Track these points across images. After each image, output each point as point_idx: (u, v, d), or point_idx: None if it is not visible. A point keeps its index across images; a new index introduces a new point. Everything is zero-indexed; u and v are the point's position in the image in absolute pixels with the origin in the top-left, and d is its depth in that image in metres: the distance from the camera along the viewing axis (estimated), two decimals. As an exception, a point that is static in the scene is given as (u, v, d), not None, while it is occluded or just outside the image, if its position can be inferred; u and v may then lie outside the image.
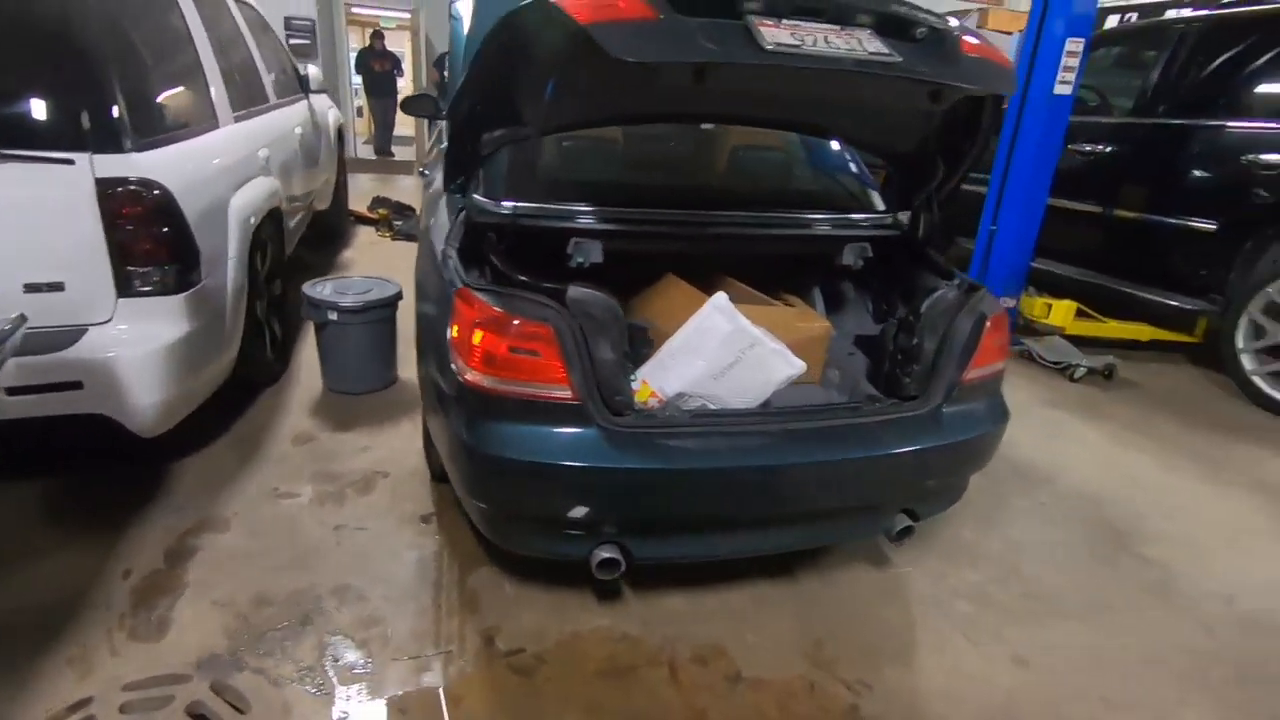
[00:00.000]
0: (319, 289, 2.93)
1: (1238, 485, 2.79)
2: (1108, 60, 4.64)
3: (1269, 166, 3.38)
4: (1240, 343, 3.53)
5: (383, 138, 10.47)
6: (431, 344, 1.83)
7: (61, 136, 1.93)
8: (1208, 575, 2.23)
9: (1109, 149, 4.17)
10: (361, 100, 10.85)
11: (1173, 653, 1.92)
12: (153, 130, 2.16)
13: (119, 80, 2.03)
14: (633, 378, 1.81)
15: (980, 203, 4.01)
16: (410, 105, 3.52)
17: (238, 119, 2.89)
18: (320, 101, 4.75)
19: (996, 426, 1.94)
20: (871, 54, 1.46)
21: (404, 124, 10.22)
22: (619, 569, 1.71)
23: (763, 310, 1.98)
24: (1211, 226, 3.63)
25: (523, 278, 1.70)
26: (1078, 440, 3.12)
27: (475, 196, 1.98)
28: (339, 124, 5.35)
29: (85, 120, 1.94)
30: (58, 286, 1.97)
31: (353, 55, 10.20)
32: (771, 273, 2.35)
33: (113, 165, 1.96)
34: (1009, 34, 8.33)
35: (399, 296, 2.98)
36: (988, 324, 1.83)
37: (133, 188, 1.99)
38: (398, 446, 2.66)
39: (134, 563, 1.97)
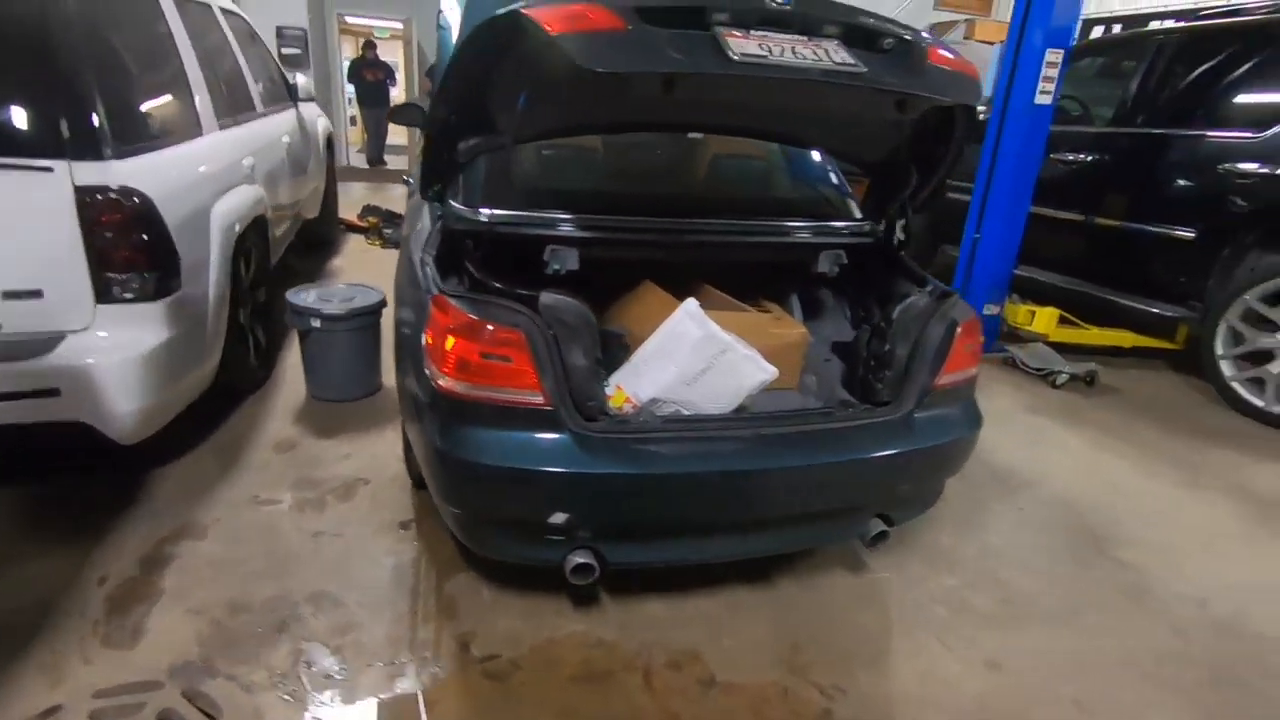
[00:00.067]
0: (303, 296, 2.94)
1: (1215, 490, 2.82)
2: (1090, 71, 4.71)
3: (1244, 175, 3.43)
4: (1219, 349, 3.57)
5: (375, 147, 10.50)
6: (409, 350, 1.84)
7: (41, 144, 1.93)
8: (1182, 579, 2.25)
9: (1090, 158, 4.22)
10: (355, 109, 10.88)
11: (1145, 656, 1.93)
12: (134, 138, 2.17)
13: (99, 88, 2.04)
14: (607, 383, 1.83)
15: (965, 211, 4.05)
16: (397, 114, 3.53)
17: (222, 127, 2.90)
18: (309, 110, 4.77)
19: (969, 432, 1.95)
20: (838, 64, 1.49)
21: (397, 133, 10.25)
22: (593, 574, 1.72)
23: (738, 317, 2.00)
24: (1190, 234, 3.67)
25: (497, 284, 1.72)
26: (1058, 446, 3.14)
27: (452, 204, 1.99)
28: (328, 132, 5.37)
29: (64, 128, 1.95)
30: (36, 293, 1.97)
31: (345, 65, 10.24)
32: (750, 280, 2.37)
33: (92, 173, 1.97)
34: (995, 44, 8.40)
35: (383, 304, 2.99)
36: (959, 330, 1.85)
37: (112, 195, 2.00)
38: (380, 453, 2.66)
39: (110, 570, 1.97)
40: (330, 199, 5.56)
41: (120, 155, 2.05)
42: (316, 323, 2.87)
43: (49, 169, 1.92)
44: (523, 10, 1.41)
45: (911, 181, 2.11)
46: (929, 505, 2.09)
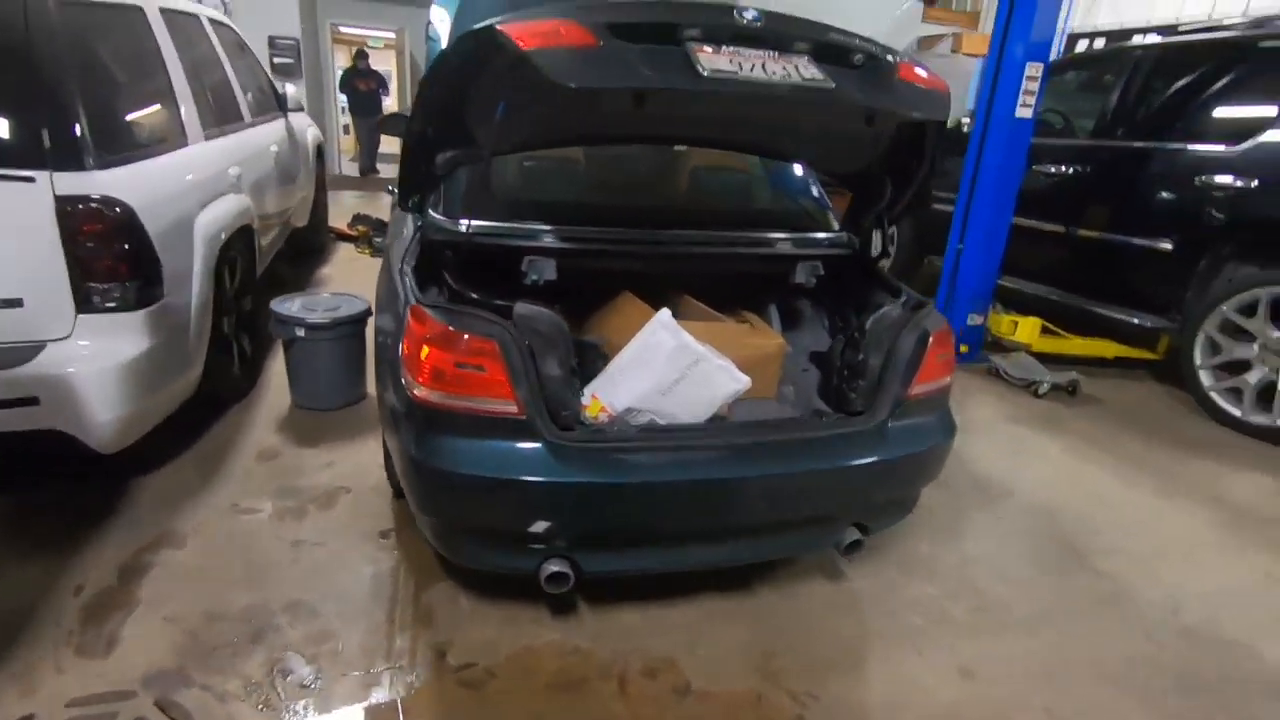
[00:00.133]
0: (287, 305, 2.95)
1: (1192, 499, 2.84)
2: (1072, 85, 4.78)
3: (1220, 188, 3.48)
4: (1198, 359, 3.61)
5: (367, 156, 10.52)
6: (387, 360, 1.86)
7: (22, 154, 1.95)
8: (1157, 587, 2.28)
9: (1071, 170, 4.28)
10: (348, 119, 10.92)
11: (1117, 663, 1.95)
12: (117, 148, 2.18)
13: (82, 99, 2.06)
14: (583, 393, 1.84)
15: (950, 222, 4.10)
16: (386, 124, 3.57)
17: (209, 137, 2.92)
18: (299, 120, 4.79)
19: (943, 441, 1.97)
20: (807, 80, 1.52)
21: (390, 142, 10.28)
22: (568, 583, 1.72)
23: (715, 327, 2.02)
24: (1169, 246, 3.72)
25: (475, 295, 1.73)
26: (1040, 455, 3.17)
27: (432, 214, 2.01)
28: (318, 142, 5.39)
29: (46, 138, 1.97)
30: (16, 303, 1.98)
31: (338, 74, 10.28)
32: (730, 290, 2.39)
33: (73, 183, 1.98)
34: (982, 57, 8.51)
35: (368, 313, 3.00)
36: (931, 340, 1.88)
37: (93, 205, 2.01)
38: (362, 462, 2.67)
39: (87, 579, 1.97)
40: (320, 208, 5.57)
41: (102, 165, 2.07)
42: (300, 332, 2.88)
43: (30, 179, 1.93)
44: (497, 26, 1.43)
45: (886, 194, 2.14)
46: (905, 514, 2.11)
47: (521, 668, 1.79)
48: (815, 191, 2.56)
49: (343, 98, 10.25)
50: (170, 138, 2.59)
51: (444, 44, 2.93)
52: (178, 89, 2.73)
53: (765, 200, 2.64)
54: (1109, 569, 2.36)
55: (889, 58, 1.65)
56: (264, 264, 3.72)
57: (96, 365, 2.04)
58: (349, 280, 4.83)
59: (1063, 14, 8.53)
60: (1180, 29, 4.59)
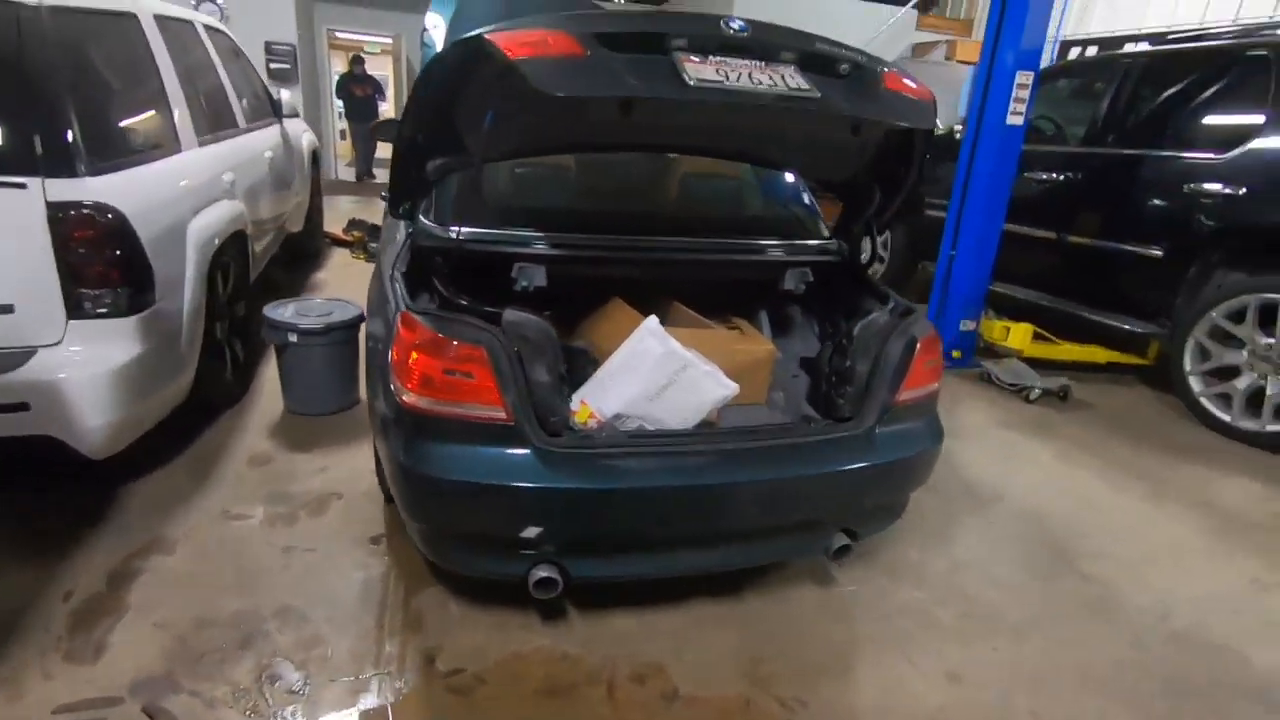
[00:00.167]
0: (280, 311, 2.96)
1: (1182, 504, 2.86)
2: (1063, 92, 4.81)
3: (1209, 195, 3.51)
4: (1188, 365, 3.63)
5: (364, 161, 10.54)
6: (377, 365, 1.86)
7: (14, 161, 1.95)
8: (1145, 592, 2.29)
9: (1062, 177, 4.31)
10: (345, 124, 10.93)
11: (1104, 668, 1.96)
12: (109, 154, 2.19)
13: (74, 106, 2.07)
14: (572, 399, 1.85)
15: (943, 228, 4.12)
16: (380, 130, 3.59)
17: (202, 143, 2.92)
18: (294, 125, 4.80)
19: (931, 446, 1.99)
20: (793, 89, 1.54)
21: (386, 148, 10.28)
22: (557, 588, 1.73)
23: (704, 334, 2.03)
24: (1159, 253, 3.75)
25: (464, 301, 1.74)
26: (1030, 460, 3.18)
27: (423, 221, 2.03)
28: (314, 147, 5.40)
29: (38, 145, 1.97)
30: (7, 309, 1.98)
31: (335, 80, 10.29)
32: (721, 297, 2.41)
33: (65, 189, 1.99)
34: (975, 64, 8.57)
35: (361, 319, 3.00)
36: (918, 347, 1.89)
37: (85, 211, 2.02)
38: (354, 468, 2.67)
39: (76, 584, 1.97)
40: (315, 213, 5.58)
41: (95, 172, 2.07)
42: (293, 337, 2.89)
43: (22, 185, 1.94)
44: (485, 35, 1.45)
45: (875, 201, 2.15)
46: (894, 519, 2.12)
47: (510, 673, 1.80)
48: (805, 198, 2.57)
49: (339, 103, 10.27)
50: (163, 144, 2.60)
51: (439, 49, 2.95)
52: (171, 95, 2.74)
53: (755, 207, 2.66)
54: (1098, 574, 2.38)
55: (875, 67, 1.67)
56: (258, 269, 3.72)
57: (87, 371, 2.04)
58: (344, 285, 4.84)
59: (1053, 22, 8.61)
60: (1169, 37, 4.62)
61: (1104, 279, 4.07)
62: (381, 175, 10.59)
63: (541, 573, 1.70)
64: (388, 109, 10.93)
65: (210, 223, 2.69)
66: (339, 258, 5.93)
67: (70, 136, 2.03)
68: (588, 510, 1.68)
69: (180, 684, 1.68)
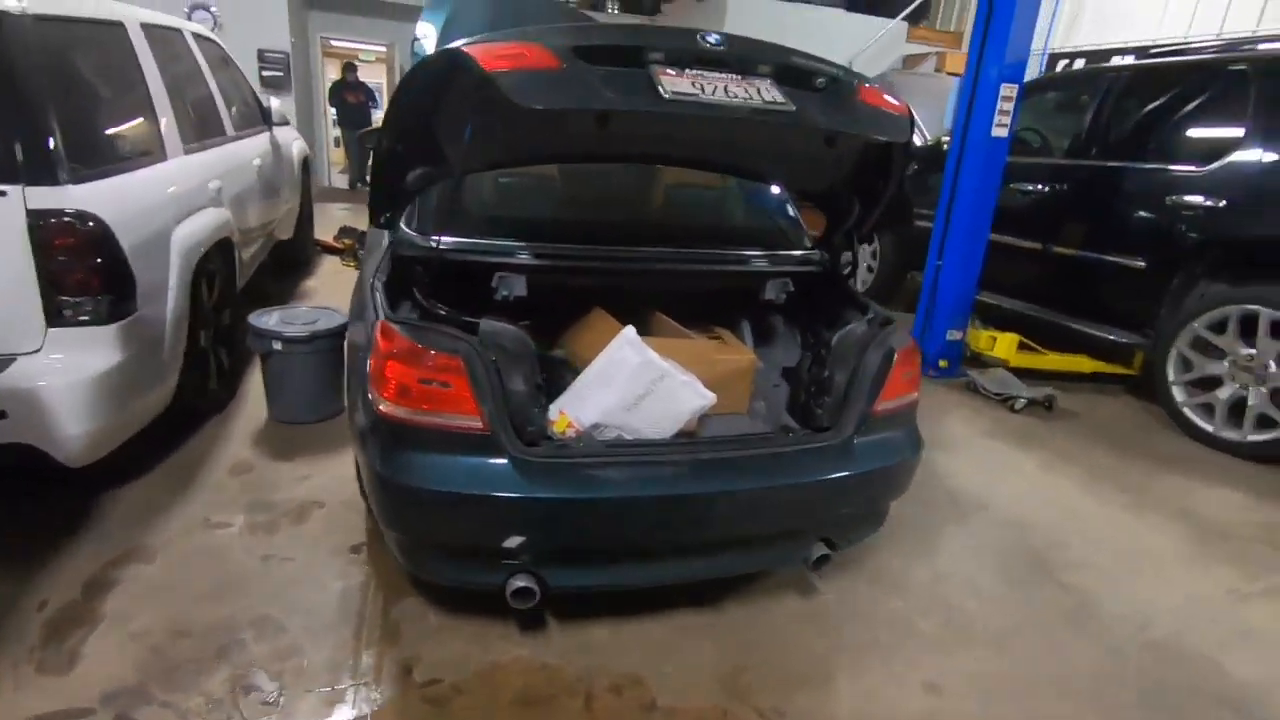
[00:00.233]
0: (264, 319, 2.95)
1: (1163, 514, 2.87)
2: (1048, 104, 4.87)
3: (1190, 207, 3.55)
4: (1171, 375, 3.66)
5: (357, 169, 10.54)
6: (356, 374, 1.86)
7: (-4, 168, 1.96)
8: (1124, 602, 2.30)
9: (1048, 188, 4.35)
10: (339, 131, 10.94)
11: (1082, 678, 1.96)
12: (92, 162, 2.19)
13: (57, 114, 2.06)
14: (550, 409, 1.85)
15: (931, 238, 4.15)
16: (368, 139, 3.60)
17: (189, 151, 2.92)
18: (285, 133, 4.81)
19: (910, 456, 1.99)
20: (768, 103, 1.55)
21: (379, 155, 10.30)
22: (534, 598, 1.73)
23: (684, 344, 2.04)
24: (1142, 264, 3.78)
25: (442, 311, 1.75)
26: (1014, 470, 3.20)
27: (404, 230, 2.03)
28: (304, 155, 5.41)
29: (19, 152, 1.97)
30: (-14, 317, 1.98)
31: (329, 86, 10.30)
32: (704, 306, 2.42)
33: (46, 197, 1.99)
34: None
35: (346, 327, 3.00)
36: (896, 357, 1.90)
37: (66, 219, 2.02)
38: (337, 476, 2.66)
39: (51, 594, 1.95)
40: (305, 221, 5.58)
41: (77, 180, 2.07)
42: (277, 345, 2.88)
43: (2, 193, 1.94)
44: (462, 48, 1.46)
45: (855, 212, 2.17)
46: (874, 529, 2.12)
47: (487, 684, 1.79)
48: (787, 209, 2.59)
49: (332, 110, 10.28)
50: (148, 152, 2.60)
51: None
52: (157, 103, 2.74)
53: (737, 217, 2.68)
54: (1078, 584, 2.38)
55: (851, 81, 1.69)
56: (245, 277, 3.72)
57: (66, 379, 2.03)
58: (334, 293, 4.83)
59: (1040, 36, 8.71)
60: (1151, 51, 4.68)
61: (1089, 289, 4.10)
62: (374, 183, 10.60)
63: (519, 583, 1.70)
64: (381, 116, 10.92)
65: (195, 230, 2.69)
66: (330, 265, 5.91)
67: (52, 144, 2.02)
68: (564, 520, 1.68)
69: (153, 695, 1.67)
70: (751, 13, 9.24)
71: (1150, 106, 4.04)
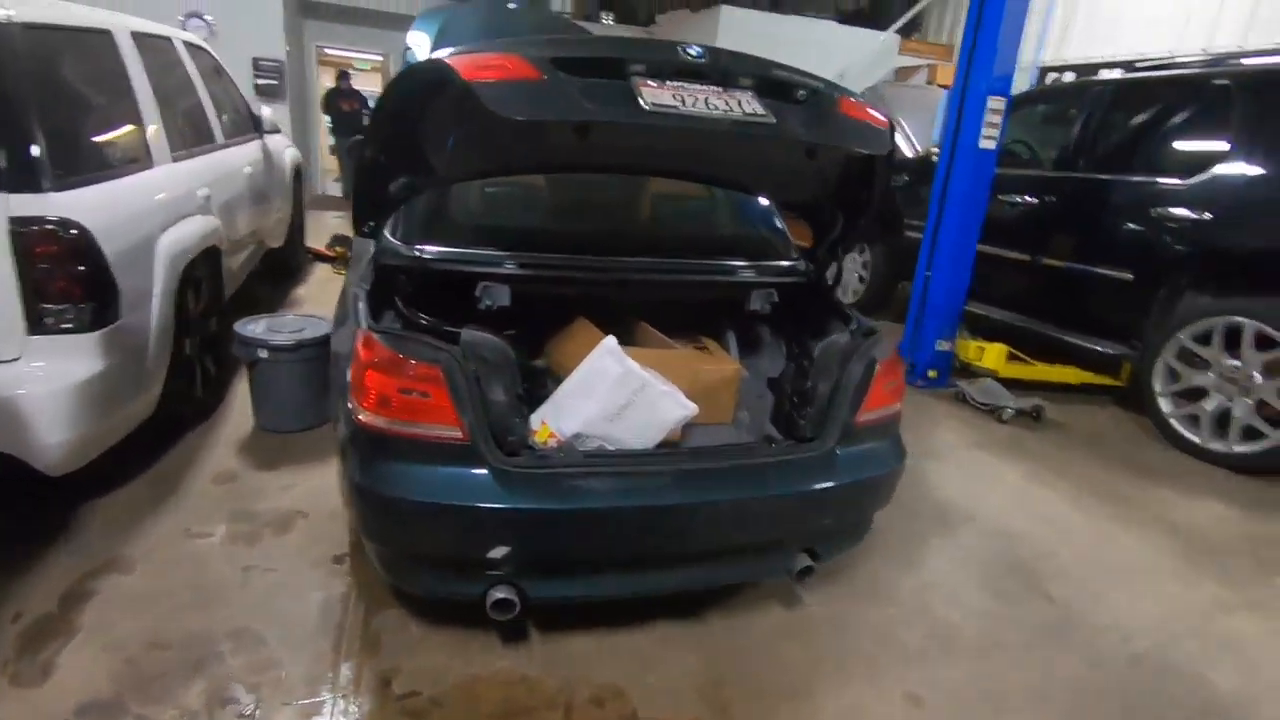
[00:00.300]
0: (251, 327, 2.95)
1: (1148, 526, 2.88)
2: (1037, 117, 4.91)
3: (1175, 219, 3.58)
4: (1157, 386, 3.67)
5: (351, 177, 10.54)
6: (338, 383, 1.86)
7: (-22, 176, 1.95)
8: (1106, 614, 2.29)
9: (1036, 200, 4.38)
10: (333, 139, 10.93)
11: (1062, 690, 1.96)
12: (76, 169, 2.18)
13: (41, 121, 2.06)
14: (531, 418, 1.85)
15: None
16: (354, 150, 3.60)
17: (176, 159, 2.92)
18: (276, 141, 4.81)
19: (893, 467, 1.99)
20: (748, 115, 1.56)
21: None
22: (514, 609, 1.71)
23: (668, 354, 2.04)
24: (1129, 276, 3.80)
25: (424, 320, 1.75)
26: (1000, 480, 3.20)
27: (388, 239, 2.03)
28: (297, 163, 5.41)
29: (2, 159, 1.97)
30: (-36, 324, 1.96)
31: (323, 94, 10.30)
32: (690, 316, 2.42)
33: (29, 204, 1.98)
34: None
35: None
36: (878, 368, 1.90)
37: (49, 226, 2.01)
38: (322, 485, 2.64)
39: (27, 606, 1.93)
40: (297, 229, 5.57)
41: (60, 187, 2.07)
42: (263, 353, 2.87)
43: (-16, 200, 1.93)
44: (444, 59, 1.46)
45: (839, 223, 2.18)
46: (857, 540, 2.12)
47: (467, 696, 1.77)
48: (773, 219, 2.60)
49: (326, 118, 10.27)
50: (135, 159, 2.60)
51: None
52: (145, 111, 2.74)
53: (722, 228, 2.69)
54: (1062, 595, 2.38)
55: (832, 94, 1.70)
56: (234, 285, 3.71)
57: (46, 387, 2.02)
58: (323, 301, 4.82)
59: (1033, 48, 8.80)
60: (1137, 65, 4.73)
61: (1076, 301, 4.12)
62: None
63: (498, 594, 1.69)
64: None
65: (181, 238, 2.68)
66: (321, 273, 5.91)
67: (35, 151, 2.02)
68: (544, 530, 1.68)
69: (128, 708, 1.65)
70: (745, 25, 9.31)
71: (1136, 120, 4.08)
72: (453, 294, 2.03)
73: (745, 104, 1.58)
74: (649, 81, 1.52)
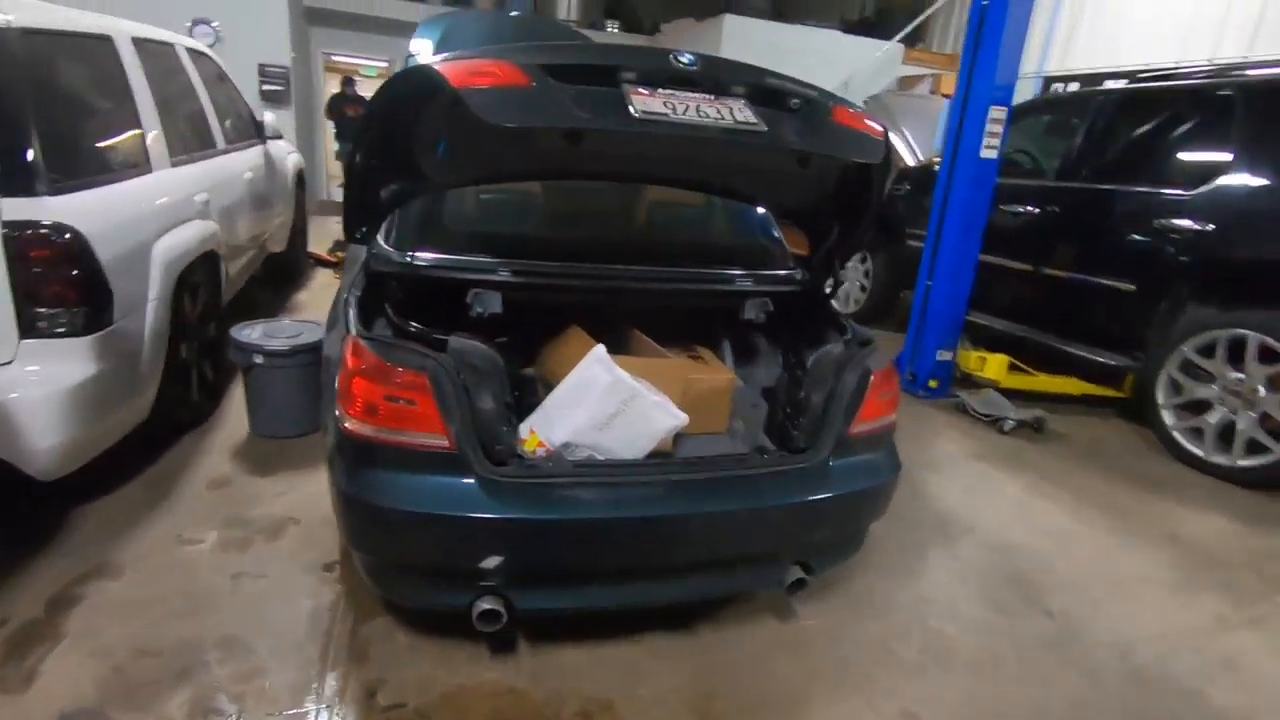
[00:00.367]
0: (246, 332, 2.94)
1: (1149, 539, 2.84)
2: (1039, 127, 4.89)
3: (1178, 230, 3.55)
4: (1160, 398, 3.64)
5: (356, 182, 10.55)
6: (327, 391, 1.85)
7: (-28, 180, 1.95)
8: (1107, 628, 2.26)
9: (1038, 210, 4.36)
10: (338, 145, 10.96)
11: (1061, 706, 1.93)
12: (72, 174, 2.19)
13: (37, 126, 2.07)
14: (521, 428, 1.83)
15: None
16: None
17: (176, 164, 2.93)
18: (279, 147, 4.83)
19: (887, 479, 1.97)
20: (739, 123, 1.55)
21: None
22: (500, 621, 1.69)
23: (661, 363, 2.03)
24: (1132, 287, 3.77)
25: (413, 327, 1.73)
26: (1000, 492, 3.17)
27: (379, 245, 2.02)
28: (299, 168, 5.43)
29: (-2, 164, 1.98)
30: (-44, 328, 1.96)
31: (328, 99, 10.33)
32: (685, 325, 2.40)
33: (23, 208, 1.99)
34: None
35: (327, 341, 2.99)
36: (873, 379, 1.88)
37: (43, 231, 2.01)
38: (315, 492, 2.62)
39: (13, 611, 1.92)
40: (298, 234, 5.59)
41: (55, 191, 2.07)
42: (259, 359, 2.87)
43: (-23, 204, 1.93)
44: (434, 65, 1.46)
45: (834, 232, 2.16)
46: (851, 553, 2.10)
47: (453, 708, 1.75)
48: (769, 228, 2.58)
49: (331, 124, 10.30)
50: (133, 164, 2.60)
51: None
52: (144, 117, 2.75)
53: (717, 236, 2.67)
54: (1062, 609, 2.35)
55: (825, 102, 1.69)
56: (233, 290, 3.71)
57: (38, 391, 2.01)
58: (324, 306, 4.80)
59: (1037, 58, 8.78)
60: (1140, 75, 4.71)
61: (1079, 311, 4.09)
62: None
63: (484, 605, 1.67)
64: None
65: (178, 243, 2.68)
66: (322, 278, 5.92)
67: (30, 155, 2.03)
68: (531, 541, 1.66)
69: (111, 716, 1.63)
70: (749, 34, 9.32)
71: (1139, 130, 4.06)
72: (445, 301, 2.02)
73: (737, 112, 1.57)
74: (640, 89, 1.52)
